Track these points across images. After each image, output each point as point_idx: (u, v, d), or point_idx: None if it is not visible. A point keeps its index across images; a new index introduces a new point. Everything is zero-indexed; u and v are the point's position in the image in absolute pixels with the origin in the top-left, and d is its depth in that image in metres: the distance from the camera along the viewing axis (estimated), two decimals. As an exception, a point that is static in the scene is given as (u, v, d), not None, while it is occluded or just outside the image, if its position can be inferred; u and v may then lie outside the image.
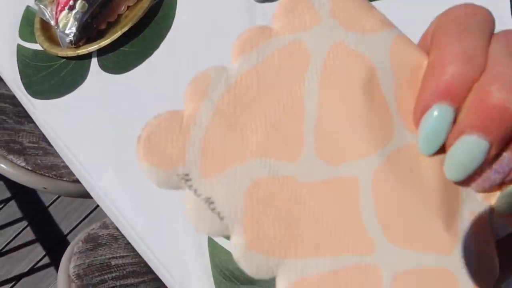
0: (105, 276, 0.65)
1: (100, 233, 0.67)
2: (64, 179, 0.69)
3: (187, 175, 0.17)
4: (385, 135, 0.17)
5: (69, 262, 0.62)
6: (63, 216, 1.51)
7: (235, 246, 0.17)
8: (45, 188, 0.68)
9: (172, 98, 0.67)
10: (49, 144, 0.73)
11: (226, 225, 0.17)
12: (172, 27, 0.74)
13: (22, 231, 1.53)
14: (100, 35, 0.75)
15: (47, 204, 1.53)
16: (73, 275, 0.60)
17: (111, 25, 0.77)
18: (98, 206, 1.51)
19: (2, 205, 1.56)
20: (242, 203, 0.17)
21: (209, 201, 0.17)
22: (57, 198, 1.53)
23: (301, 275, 0.17)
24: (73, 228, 1.49)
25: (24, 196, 1.56)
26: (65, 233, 1.49)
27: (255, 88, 0.17)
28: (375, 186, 0.17)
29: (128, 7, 0.78)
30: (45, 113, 0.72)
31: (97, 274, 0.64)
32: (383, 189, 0.17)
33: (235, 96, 0.17)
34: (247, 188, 0.17)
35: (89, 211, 1.48)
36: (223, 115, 0.17)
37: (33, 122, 0.75)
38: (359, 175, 0.17)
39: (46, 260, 1.48)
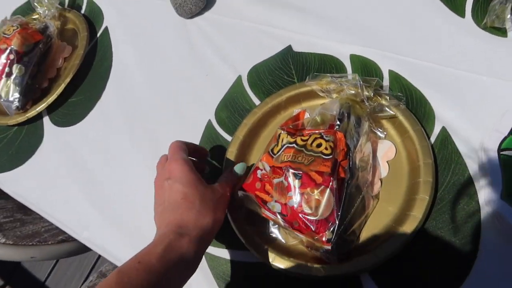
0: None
1: (98, 282, 0.66)
2: (49, 242, 0.68)
3: None
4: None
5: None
6: (63, 286, 1.47)
7: None
8: (32, 257, 0.66)
9: (134, 133, 0.67)
10: (25, 214, 0.72)
11: None
12: (113, 64, 0.74)
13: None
14: (45, 93, 0.75)
15: (42, 280, 1.49)
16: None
17: (53, 81, 0.76)
18: (94, 265, 1.47)
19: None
20: None
21: None
22: (50, 272, 1.49)
23: None
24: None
25: (17, 281, 1.51)
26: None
27: None
28: None
29: (65, 59, 0.78)
30: (13, 184, 0.71)
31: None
32: None
33: None
34: None
35: (87, 273, 1.44)
36: None
37: (2, 197, 0.73)
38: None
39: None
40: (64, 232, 0.64)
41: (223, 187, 0.50)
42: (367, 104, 0.50)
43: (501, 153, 0.46)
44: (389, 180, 0.51)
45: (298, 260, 0.49)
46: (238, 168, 0.54)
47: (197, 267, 0.46)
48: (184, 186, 0.47)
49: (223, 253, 0.55)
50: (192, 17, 0.73)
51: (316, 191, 0.45)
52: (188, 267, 0.44)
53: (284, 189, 0.47)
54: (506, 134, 0.47)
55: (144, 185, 0.61)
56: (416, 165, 0.50)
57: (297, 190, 0.46)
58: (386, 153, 0.53)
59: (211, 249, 0.55)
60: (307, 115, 0.54)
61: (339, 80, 0.52)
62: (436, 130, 0.52)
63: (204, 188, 0.48)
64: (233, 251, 0.54)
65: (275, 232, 0.51)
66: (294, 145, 0.48)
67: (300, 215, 0.46)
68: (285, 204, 0.47)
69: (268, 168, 0.50)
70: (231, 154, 0.57)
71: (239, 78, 0.64)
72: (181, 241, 0.44)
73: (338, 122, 0.50)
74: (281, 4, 0.68)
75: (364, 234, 0.50)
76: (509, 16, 0.53)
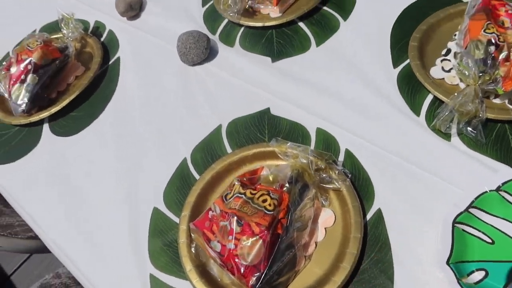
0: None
1: (53, 282, 0.71)
2: (19, 236, 0.74)
3: None
4: None
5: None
6: (27, 284, 1.50)
7: None
8: (0, 246, 0.72)
9: (120, 154, 0.74)
10: (5, 206, 0.78)
11: None
12: (117, 90, 0.83)
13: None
14: (52, 103, 0.83)
15: (9, 274, 1.52)
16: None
17: (62, 94, 0.85)
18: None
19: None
20: None
21: None
22: (19, 267, 1.53)
23: None
24: None
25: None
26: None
27: None
28: None
29: (76, 77, 0.87)
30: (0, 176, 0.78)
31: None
32: None
33: None
34: None
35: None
36: None
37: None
38: None
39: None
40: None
41: None
42: (313, 173, 0.58)
43: (455, 225, 0.53)
44: (324, 245, 0.58)
45: (227, 299, 0.55)
46: None
47: None
48: None
49: (168, 279, 0.60)
50: (193, 65, 0.82)
51: (251, 240, 0.52)
52: None
53: (226, 232, 0.54)
54: (463, 209, 0.54)
55: (118, 204, 0.68)
56: (348, 237, 0.56)
57: (236, 235, 0.53)
58: (326, 220, 0.59)
59: (157, 273, 0.61)
60: (264, 171, 0.61)
61: (296, 148, 0.60)
62: (374, 209, 0.59)
63: None
64: (177, 279, 0.60)
65: (213, 268, 0.57)
66: (243, 196, 0.55)
67: (234, 258, 0.52)
68: (225, 245, 0.54)
69: (218, 211, 0.56)
70: (194, 192, 0.64)
71: (220, 127, 0.72)
72: None
73: (287, 185, 0.57)
74: (269, 67, 0.77)
75: (291, 288, 0.55)
76: (452, 124, 0.61)
